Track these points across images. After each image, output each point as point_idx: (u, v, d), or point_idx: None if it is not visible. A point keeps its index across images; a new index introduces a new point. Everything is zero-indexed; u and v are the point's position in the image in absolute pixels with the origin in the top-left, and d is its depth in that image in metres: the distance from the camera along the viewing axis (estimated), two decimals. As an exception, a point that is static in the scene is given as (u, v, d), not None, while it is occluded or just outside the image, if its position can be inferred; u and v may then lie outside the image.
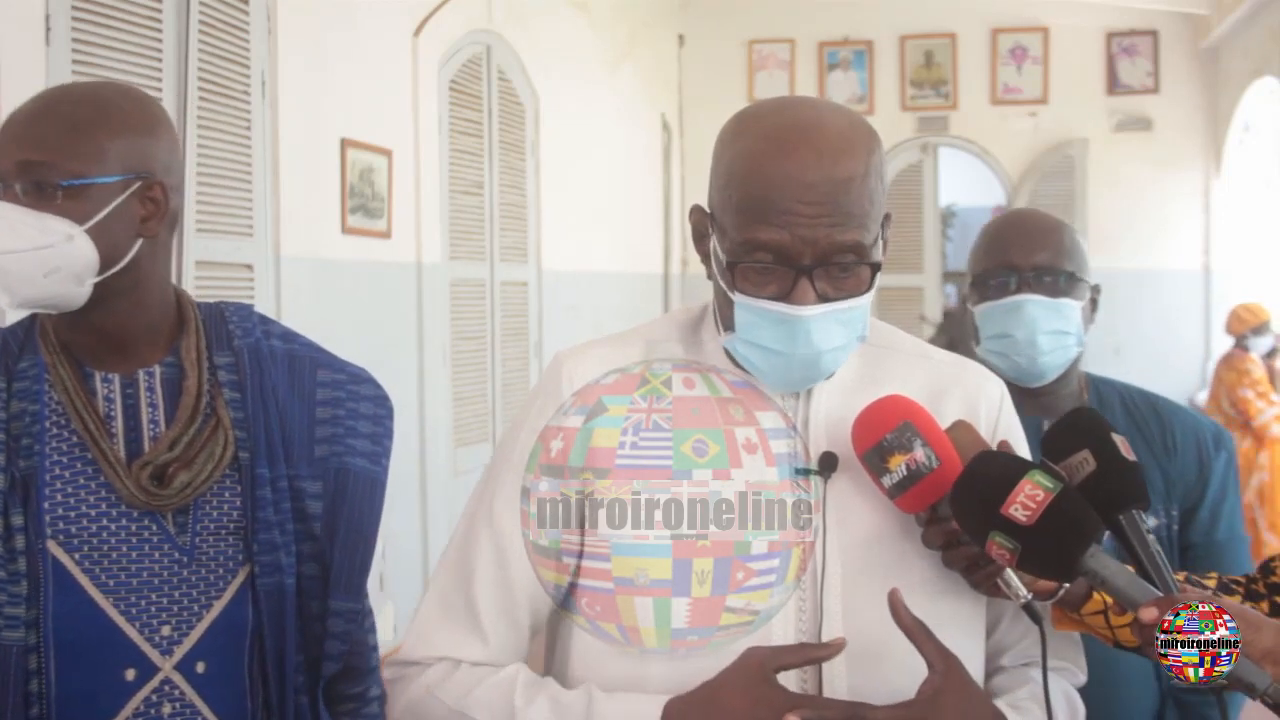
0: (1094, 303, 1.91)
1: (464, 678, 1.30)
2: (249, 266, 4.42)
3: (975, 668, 1.32)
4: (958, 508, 1.20)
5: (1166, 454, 1.91)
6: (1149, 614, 1.12)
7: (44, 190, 1.41)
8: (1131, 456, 1.24)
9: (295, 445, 1.54)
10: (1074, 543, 1.16)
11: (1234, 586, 1.47)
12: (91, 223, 1.42)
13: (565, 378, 1.32)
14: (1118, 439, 1.24)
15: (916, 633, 1.19)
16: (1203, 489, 1.91)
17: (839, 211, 1.20)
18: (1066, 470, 1.22)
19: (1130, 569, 1.18)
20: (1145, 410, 1.95)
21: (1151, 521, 1.87)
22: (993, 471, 1.19)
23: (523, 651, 1.34)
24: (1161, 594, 1.16)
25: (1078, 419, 1.28)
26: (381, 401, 1.63)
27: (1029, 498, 1.15)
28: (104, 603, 1.44)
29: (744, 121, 1.28)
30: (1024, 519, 1.15)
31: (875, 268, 1.23)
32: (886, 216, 1.28)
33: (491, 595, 1.32)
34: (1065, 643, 1.40)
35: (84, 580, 1.43)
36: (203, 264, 4.12)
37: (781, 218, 1.20)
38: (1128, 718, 1.83)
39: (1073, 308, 1.85)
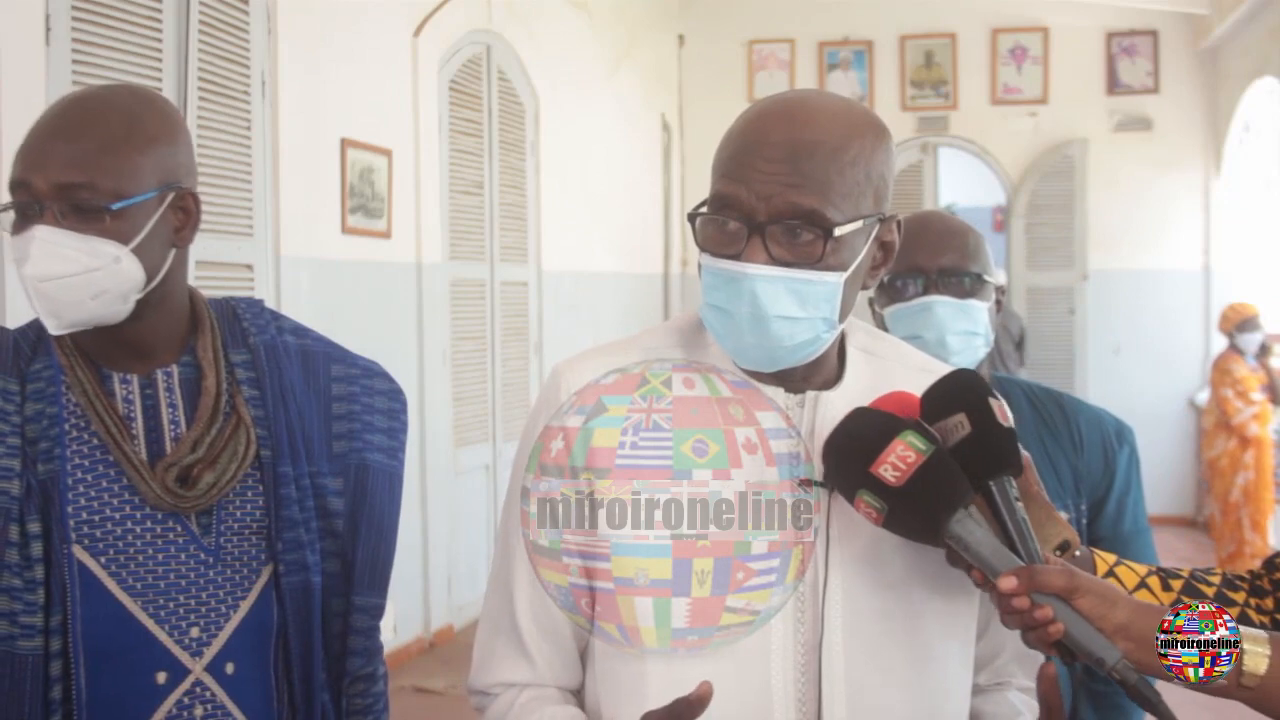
0: (999, 304, 1.93)
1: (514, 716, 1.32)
2: (249, 266, 4.42)
3: (966, 673, 1.33)
4: (829, 463, 1.19)
5: (1074, 449, 1.93)
6: (1008, 583, 1.13)
7: (87, 212, 1.39)
8: (1008, 422, 1.21)
9: (314, 442, 1.54)
10: (941, 507, 1.14)
11: (1238, 582, 1.47)
12: (136, 241, 1.42)
13: (564, 390, 1.31)
14: (994, 403, 1.21)
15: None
16: (1109, 483, 1.94)
17: (798, 173, 1.19)
18: (941, 432, 1.20)
19: (995, 538, 1.17)
20: (1051, 407, 1.97)
21: (1061, 515, 1.89)
22: (866, 428, 1.17)
23: (571, 669, 1.34)
24: (1024, 564, 1.15)
25: (957, 381, 1.24)
26: (395, 395, 1.63)
27: (900, 459, 1.14)
28: (133, 606, 1.43)
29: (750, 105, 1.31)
30: (893, 480, 1.14)
31: (830, 237, 1.21)
32: (890, 218, 1.27)
33: (531, 616, 1.32)
34: (1031, 664, 1.40)
35: (111, 584, 1.42)
36: (203, 264, 4.12)
37: (741, 171, 1.21)
38: None
39: (980, 309, 1.87)
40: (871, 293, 1.93)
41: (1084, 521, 1.92)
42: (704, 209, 1.25)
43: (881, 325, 1.92)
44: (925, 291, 1.86)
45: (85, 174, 1.38)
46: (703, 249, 1.25)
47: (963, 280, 1.86)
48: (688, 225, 1.29)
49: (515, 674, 1.33)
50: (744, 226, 1.21)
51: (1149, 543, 1.97)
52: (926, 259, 1.87)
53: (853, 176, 1.22)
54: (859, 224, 1.23)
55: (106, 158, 1.39)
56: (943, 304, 1.85)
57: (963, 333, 1.85)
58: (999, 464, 1.20)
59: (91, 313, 1.41)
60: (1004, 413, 1.21)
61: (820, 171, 1.20)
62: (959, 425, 1.20)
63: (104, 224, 1.39)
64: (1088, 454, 1.93)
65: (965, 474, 1.17)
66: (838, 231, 1.21)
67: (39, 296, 1.40)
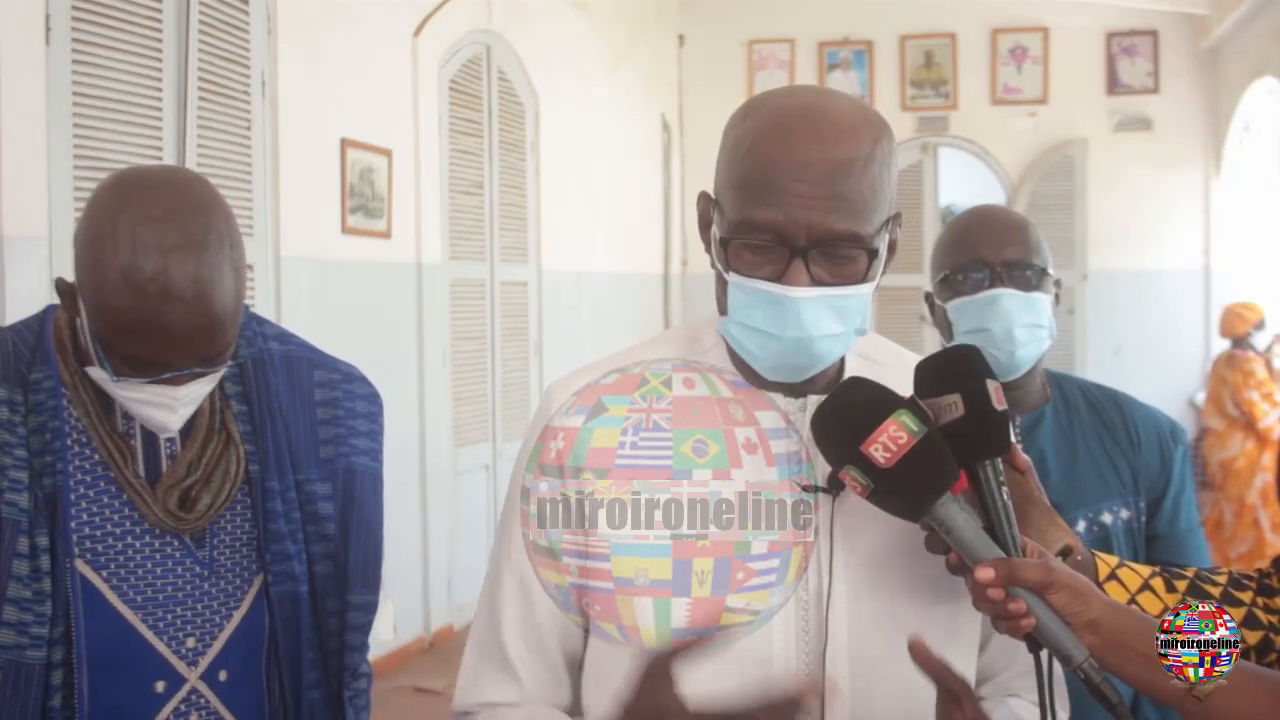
0: (1057, 298, 1.93)
1: None
2: (249, 267, 4.42)
3: (968, 679, 1.31)
4: (818, 432, 1.17)
5: (1132, 447, 1.93)
6: (985, 574, 1.12)
7: (220, 365, 1.45)
8: (1002, 405, 1.18)
9: (301, 449, 1.56)
10: (927, 490, 1.13)
11: (1245, 582, 1.46)
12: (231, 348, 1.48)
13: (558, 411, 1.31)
14: (991, 386, 1.18)
15: (941, 675, 1.17)
16: (1166, 481, 1.94)
17: (835, 195, 1.17)
18: (933, 409, 1.17)
19: (977, 523, 1.15)
20: (1108, 405, 1.97)
21: (1124, 514, 1.90)
22: (859, 400, 1.16)
23: (560, 689, 1.33)
24: (1004, 554, 1.15)
25: (955, 357, 1.21)
26: (373, 399, 1.66)
27: (892, 439, 1.12)
28: (132, 618, 1.46)
29: (752, 104, 1.26)
30: (882, 461, 1.12)
31: (873, 255, 1.21)
32: (896, 215, 1.26)
33: (519, 636, 1.31)
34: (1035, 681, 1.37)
35: (112, 597, 1.45)
36: (203, 264, 4.12)
37: (776, 196, 1.17)
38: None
39: (1044, 301, 1.88)
40: (932, 285, 1.93)
41: (1142, 520, 1.92)
42: (734, 233, 1.21)
43: (943, 319, 1.91)
44: (991, 284, 1.85)
45: (219, 346, 1.41)
46: (733, 270, 1.22)
47: (1027, 273, 1.86)
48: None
49: (502, 694, 1.32)
50: (784, 249, 1.19)
51: (1202, 541, 1.97)
52: (991, 252, 1.86)
53: (880, 187, 1.20)
54: (884, 231, 1.23)
55: (231, 325, 1.42)
56: (1009, 296, 1.84)
57: (1029, 325, 1.85)
58: (989, 447, 1.18)
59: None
60: (1000, 396, 1.19)
61: (855, 191, 1.18)
62: (953, 405, 1.17)
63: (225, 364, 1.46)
64: (1145, 452, 1.93)
65: (953, 453, 1.15)
66: (875, 245, 1.20)
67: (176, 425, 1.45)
